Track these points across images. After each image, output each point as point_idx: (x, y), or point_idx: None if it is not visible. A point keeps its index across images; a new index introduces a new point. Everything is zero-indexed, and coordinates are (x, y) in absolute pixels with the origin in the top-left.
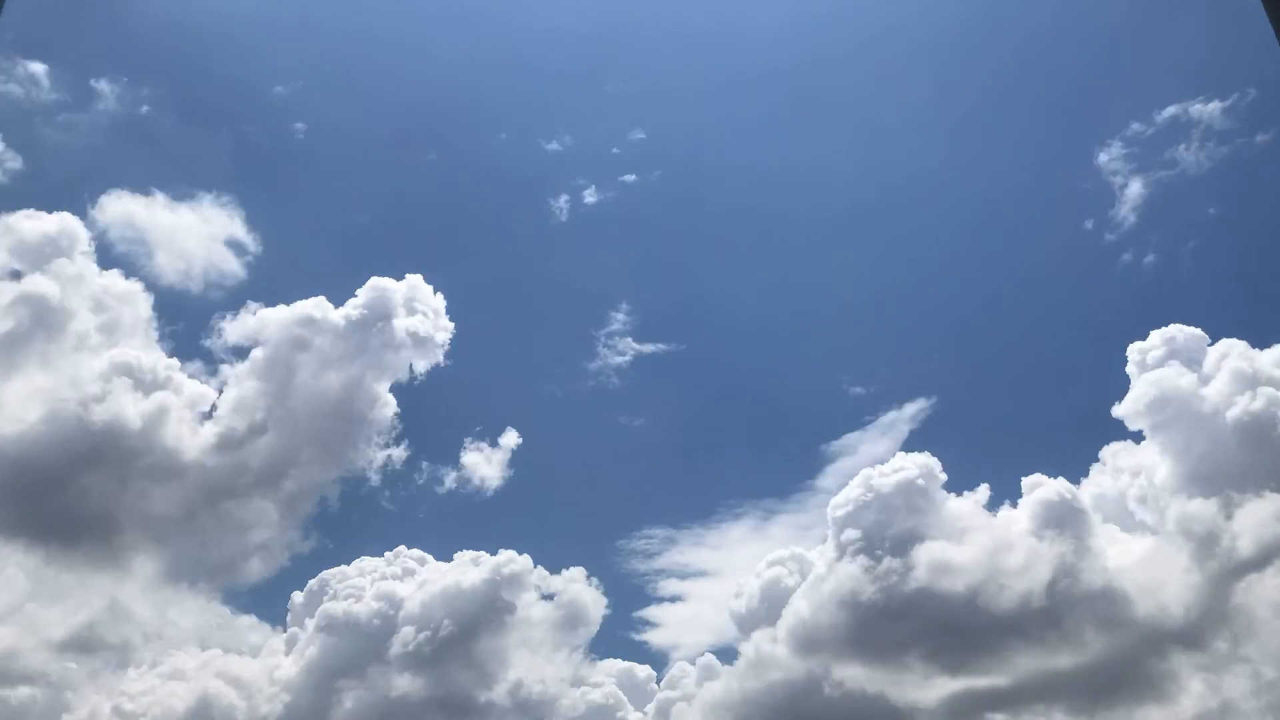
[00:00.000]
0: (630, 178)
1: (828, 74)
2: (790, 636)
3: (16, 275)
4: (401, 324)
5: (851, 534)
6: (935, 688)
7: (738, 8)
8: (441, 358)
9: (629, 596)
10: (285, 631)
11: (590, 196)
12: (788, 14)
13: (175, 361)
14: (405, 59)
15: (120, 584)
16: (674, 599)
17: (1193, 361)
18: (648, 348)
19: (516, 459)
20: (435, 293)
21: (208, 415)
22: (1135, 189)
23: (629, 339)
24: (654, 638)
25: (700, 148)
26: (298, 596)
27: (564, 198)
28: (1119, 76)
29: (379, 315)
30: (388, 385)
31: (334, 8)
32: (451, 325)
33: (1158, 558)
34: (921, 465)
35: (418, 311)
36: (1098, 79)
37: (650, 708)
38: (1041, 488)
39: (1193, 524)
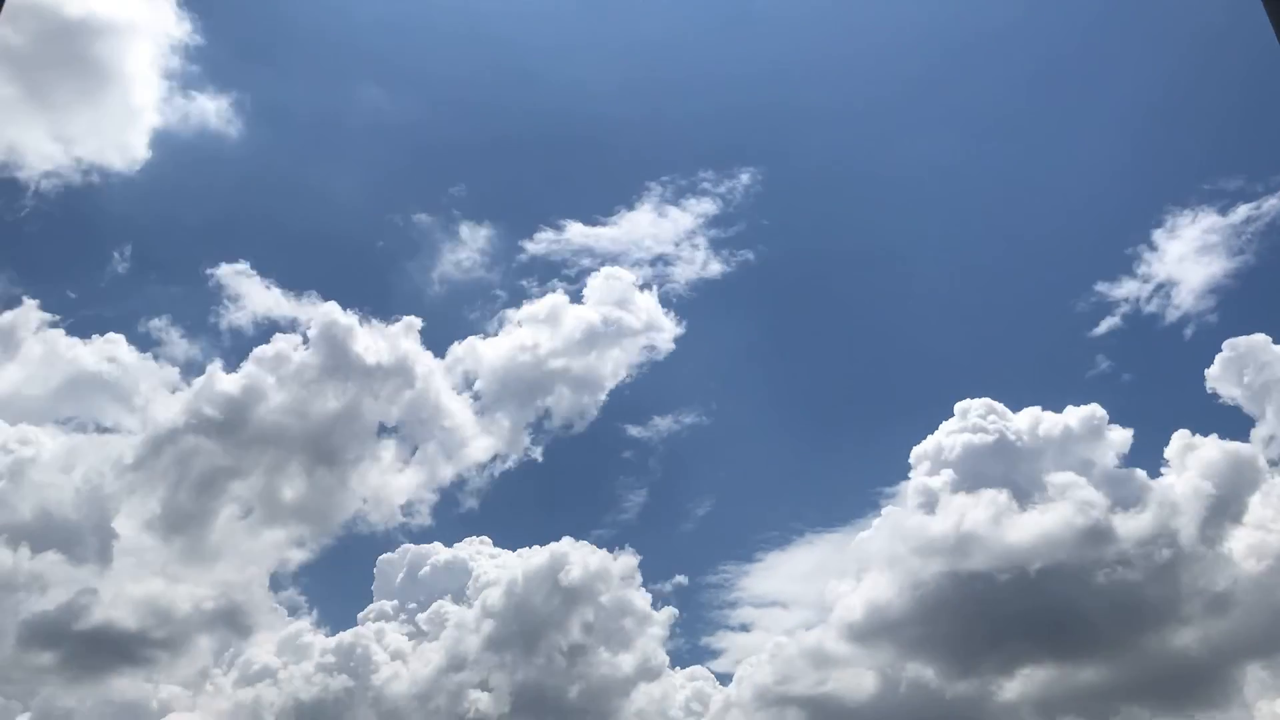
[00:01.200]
0: (748, 255)
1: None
2: (862, 622)
3: None
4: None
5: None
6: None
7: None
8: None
9: (700, 622)
10: (396, 614)
11: (711, 270)
12: (921, 122)
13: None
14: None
15: (246, 567)
16: (743, 627)
17: None
18: (734, 409)
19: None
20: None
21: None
22: (1200, 274)
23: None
24: (716, 666)
25: (816, 238)
26: (406, 576)
27: (690, 266)
28: (1190, 164)
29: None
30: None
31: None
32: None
33: None
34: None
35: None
36: (1170, 163)
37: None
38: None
39: None
